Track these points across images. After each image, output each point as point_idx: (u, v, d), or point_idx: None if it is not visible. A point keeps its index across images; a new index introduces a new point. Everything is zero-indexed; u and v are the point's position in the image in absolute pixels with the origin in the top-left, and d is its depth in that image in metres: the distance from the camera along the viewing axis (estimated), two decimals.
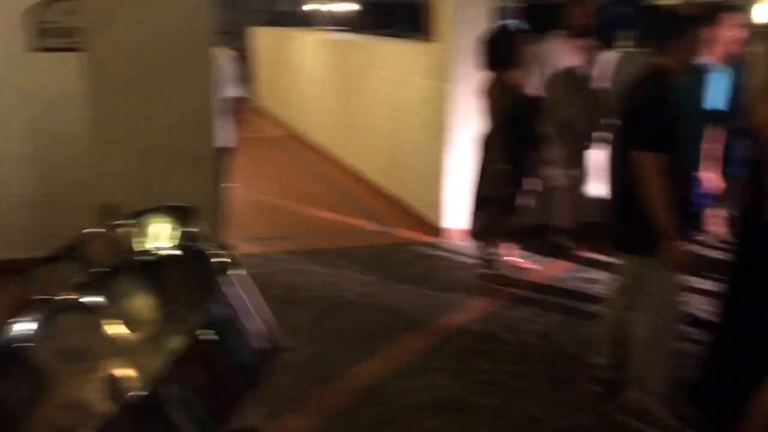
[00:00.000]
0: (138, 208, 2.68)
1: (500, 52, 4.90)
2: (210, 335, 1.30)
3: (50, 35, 5.06)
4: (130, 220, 2.64)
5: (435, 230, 6.25)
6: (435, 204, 6.28)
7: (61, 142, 5.02)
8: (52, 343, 1.54)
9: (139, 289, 1.60)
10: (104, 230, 2.65)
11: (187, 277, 1.53)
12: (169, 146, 2.82)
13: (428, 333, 4.50)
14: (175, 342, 1.41)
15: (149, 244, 2.58)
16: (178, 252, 1.57)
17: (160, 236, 2.59)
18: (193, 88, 2.79)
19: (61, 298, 1.64)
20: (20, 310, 2.04)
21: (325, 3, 18.34)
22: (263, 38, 13.92)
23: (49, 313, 1.59)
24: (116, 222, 2.69)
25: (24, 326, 1.56)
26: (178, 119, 2.80)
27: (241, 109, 5.55)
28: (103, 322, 1.58)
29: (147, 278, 1.60)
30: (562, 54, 5.60)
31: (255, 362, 1.38)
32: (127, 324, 1.59)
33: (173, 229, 2.56)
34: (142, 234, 2.62)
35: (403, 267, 5.60)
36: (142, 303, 1.60)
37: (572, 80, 5.58)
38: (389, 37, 8.24)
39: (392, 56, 7.40)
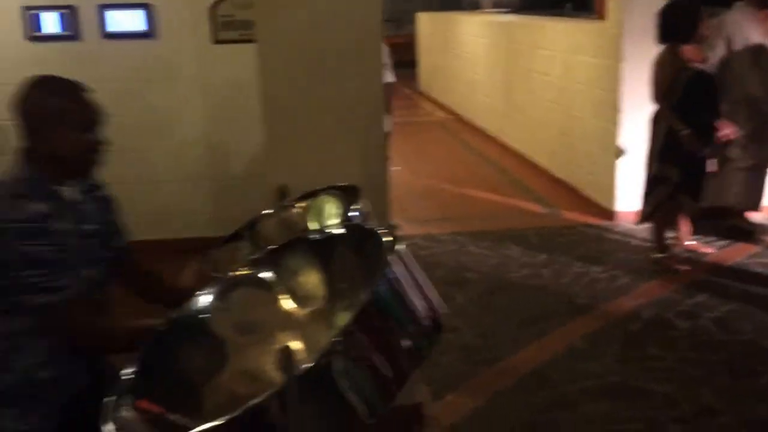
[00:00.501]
0: (308, 190, 2.79)
1: (676, 24, 4.64)
2: (377, 312, 1.32)
3: (227, 28, 5.35)
4: (302, 200, 2.75)
5: (606, 213, 6.05)
6: (606, 186, 6.08)
7: (238, 128, 5.31)
8: (229, 315, 1.62)
9: (309, 266, 1.65)
10: (278, 210, 2.78)
11: (355, 255, 1.56)
12: (339, 131, 2.88)
13: (597, 317, 4.37)
14: (344, 318, 1.44)
15: (320, 223, 2.68)
16: (346, 230, 1.60)
17: (330, 215, 2.68)
18: (364, 74, 2.84)
19: (236, 273, 1.72)
20: (202, 284, 2.20)
21: None
22: (427, 24, 13.98)
23: (227, 287, 1.68)
24: (288, 203, 2.81)
25: (205, 299, 1.65)
26: (348, 105, 2.86)
27: (392, 95, 5.62)
28: (275, 296, 1.65)
29: (316, 255, 1.65)
30: (747, 26, 5.22)
31: (421, 340, 1.38)
32: (297, 299, 1.64)
33: (340, 208, 2.63)
34: (313, 213, 2.72)
35: (571, 249, 5.47)
36: (312, 279, 1.65)
37: (757, 54, 5.20)
38: (555, 17, 8.02)
39: (559, 36, 7.21)
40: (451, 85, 11.96)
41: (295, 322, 1.60)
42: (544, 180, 7.36)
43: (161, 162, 5.51)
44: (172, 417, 1.39)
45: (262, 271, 1.67)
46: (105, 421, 1.33)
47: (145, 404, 1.41)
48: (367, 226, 1.58)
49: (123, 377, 1.46)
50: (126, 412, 1.37)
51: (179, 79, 5.35)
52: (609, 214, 6.01)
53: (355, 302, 1.43)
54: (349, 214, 2.51)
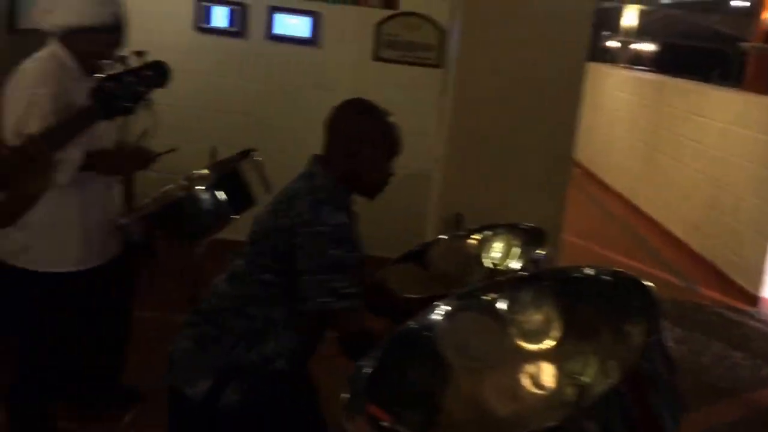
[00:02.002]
0: (485, 222, 2.65)
1: None
2: (644, 369, 1.16)
3: (390, 47, 5.31)
4: (479, 232, 2.62)
5: (750, 297, 5.67)
6: (753, 269, 5.70)
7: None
8: (454, 337, 1.52)
9: (545, 303, 1.52)
10: (452, 238, 2.66)
11: (602, 301, 1.41)
12: (523, 165, 2.73)
13: (738, 404, 4.05)
14: (578, 365, 1.31)
15: (495, 260, 2.53)
16: (606, 276, 1.44)
17: (507, 253, 2.53)
18: (560, 112, 2.68)
19: (467, 296, 1.61)
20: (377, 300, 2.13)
21: (626, 40, 17.82)
22: None
23: (456, 308, 1.57)
24: (464, 232, 2.68)
25: (432, 316, 1.55)
26: (539, 140, 2.70)
27: None
28: (504, 327, 1.53)
29: (555, 293, 1.51)
30: None
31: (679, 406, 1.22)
32: (526, 334, 1.51)
33: (519, 247, 2.49)
34: (488, 248, 2.58)
35: (710, 329, 5.12)
36: (545, 317, 1.51)
37: None
38: (694, 81, 7.70)
39: (721, 104, 6.88)
40: (584, 136, 11.67)
41: (521, 356, 1.48)
42: (681, 252, 7.00)
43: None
44: (401, 430, 1.34)
45: (494, 300, 1.55)
46: (348, 419, 1.32)
47: (376, 411, 1.38)
48: (631, 275, 1.42)
49: (359, 373, 1.44)
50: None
51: (335, 90, 5.33)
52: (753, 299, 5.64)
53: (600, 352, 1.31)
54: (534, 257, 2.37)
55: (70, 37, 2.63)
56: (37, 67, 2.60)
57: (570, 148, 2.77)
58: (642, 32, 15.43)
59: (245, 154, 3.15)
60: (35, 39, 4.34)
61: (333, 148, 2.16)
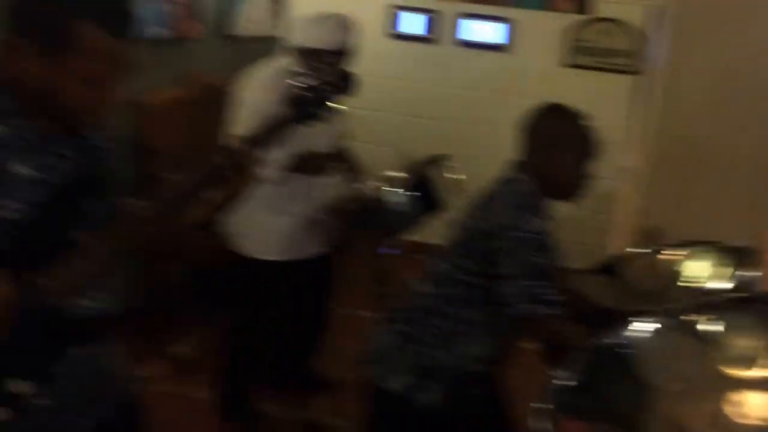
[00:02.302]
0: (683, 237, 2.55)
1: None
2: None
3: (583, 53, 5.20)
4: (678, 247, 2.52)
5: None
6: None
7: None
8: (657, 358, 1.47)
9: (757, 327, 1.44)
10: (648, 253, 2.57)
11: None
12: (729, 183, 2.59)
13: None
14: None
15: (700, 279, 2.43)
16: None
17: (711, 272, 2.42)
18: None
19: (680, 315, 1.55)
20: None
21: None
22: None
23: (663, 327, 1.52)
24: (661, 247, 2.58)
25: (632, 333, 1.51)
26: (747, 156, 2.56)
27: None
28: (711, 350, 1.46)
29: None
30: None
31: None
32: (736, 361, 1.44)
33: (726, 267, 2.37)
34: (689, 265, 2.48)
35: None
36: (759, 342, 1.43)
37: None
38: None
39: None
40: None
41: (727, 382, 1.40)
42: None
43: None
44: None
45: (701, 319, 1.49)
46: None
47: (572, 425, 1.38)
48: None
49: (555, 384, 1.44)
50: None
51: (526, 96, 5.29)
52: None
53: None
54: (743, 279, 2.25)
55: (301, 55, 2.93)
56: (268, 76, 2.91)
57: None
58: None
59: (438, 158, 3.22)
60: (246, 45, 4.64)
61: (531, 151, 2.21)
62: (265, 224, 2.98)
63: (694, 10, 2.65)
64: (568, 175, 2.20)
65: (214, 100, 4.50)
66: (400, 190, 3.04)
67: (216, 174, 1.50)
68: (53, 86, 1.39)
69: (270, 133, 1.59)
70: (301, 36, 2.98)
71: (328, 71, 2.76)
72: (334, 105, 1.69)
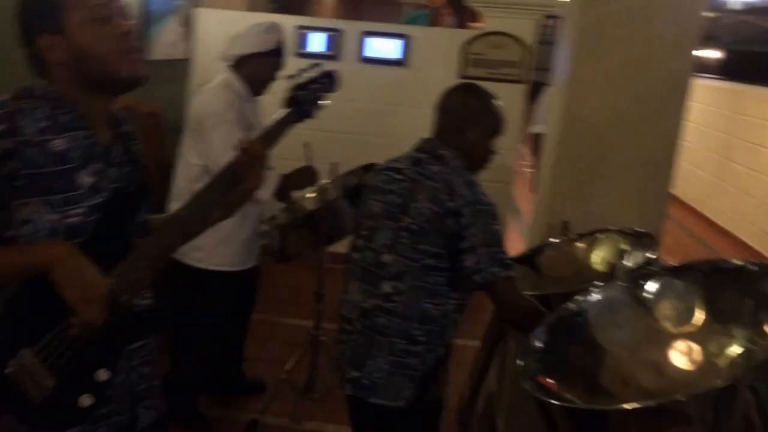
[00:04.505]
0: (587, 228, 2.90)
1: None
2: None
3: (477, 65, 5.59)
4: (586, 236, 2.87)
5: None
6: None
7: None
8: (607, 322, 1.78)
9: (690, 292, 1.76)
10: (561, 243, 2.92)
11: (746, 297, 1.64)
12: (625, 177, 2.98)
13: None
14: (724, 346, 1.56)
15: (605, 261, 2.78)
16: (752, 266, 1.68)
17: (617, 255, 2.77)
18: (664, 126, 2.93)
19: (624, 285, 1.86)
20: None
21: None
22: None
23: (610, 295, 1.83)
24: (572, 236, 2.94)
25: (586, 302, 1.82)
26: (640, 153, 2.96)
27: None
28: (652, 312, 1.78)
29: (700, 285, 1.74)
30: None
31: None
32: (672, 320, 1.76)
33: (629, 251, 2.72)
34: (599, 250, 2.83)
35: None
36: (690, 304, 1.75)
37: None
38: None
39: None
40: None
41: (666, 337, 1.73)
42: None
43: None
44: (566, 395, 1.58)
45: (645, 289, 1.81)
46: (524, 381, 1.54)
47: (545, 380, 1.61)
48: None
49: (531, 347, 1.66)
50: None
51: (424, 107, 5.61)
52: None
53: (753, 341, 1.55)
54: (644, 260, 2.60)
55: (240, 65, 3.13)
56: (219, 95, 3.07)
57: (670, 160, 3.00)
58: (707, 38, 15.31)
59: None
60: (159, 68, 4.76)
61: (447, 128, 2.33)
62: (223, 235, 3.07)
63: (590, 17, 2.91)
64: (473, 148, 2.31)
65: (134, 122, 4.61)
66: (344, 197, 3.24)
67: (234, 173, 1.61)
68: (83, 53, 1.50)
69: (274, 133, 1.71)
70: (239, 46, 3.15)
71: (271, 75, 3.10)
72: (322, 102, 1.85)
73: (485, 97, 2.37)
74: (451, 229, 2.15)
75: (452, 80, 5.38)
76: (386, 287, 2.25)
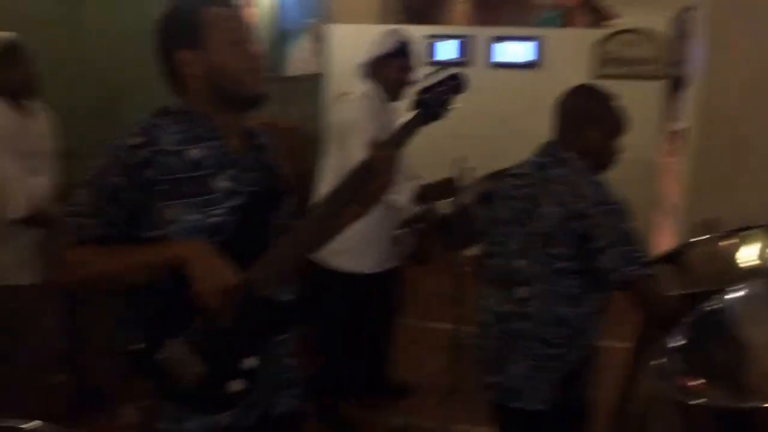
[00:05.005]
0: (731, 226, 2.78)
1: None
2: None
3: (611, 64, 5.48)
4: (732, 234, 2.76)
5: None
6: None
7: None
8: (751, 319, 1.72)
9: None
10: (707, 240, 2.81)
11: None
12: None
13: None
14: None
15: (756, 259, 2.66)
16: None
17: (763, 254, 2.65)
18: None
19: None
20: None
21: None
22: None
23: (754, 292, 1.78)
24: (717, 234, 2.82)
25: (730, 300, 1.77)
26: None
27: None
28: None
29: None
30: None
31: None
32: None
33: None
34: (747, 249, 2.71)
35: None
36: None
37: None
38: None
39: None
40: None
41: None
42: None
43: None
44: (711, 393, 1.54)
45: None
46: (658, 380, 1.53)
47: (686, 380, 1.58)
48: None
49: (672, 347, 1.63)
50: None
51: None
52: None
53: None
54: None
55: (370, 71, 3.26)
56: (359, 105, 3.21)
57: None
58: None
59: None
60: (294, 84, 4.96)
61: (565, 130, 2.33)
62: (364, 238, 3.12)
63: (725, 10, 2.81)
64: (594, 148, 2.29)
65: (277, 138, 4.84)
66: (478, 201, 3.26)
67: (365, 173, 1.68)
68: (218, 69, 1.62)
69: (405, 134, 1.77)
70: (366, 54, 3.29)
71: (403, 78, 3.18)
72: (449, 105, 1.85)
73: (603, 98, 2.34)
74: (580, 232, 2.15)
75: (586, 81, 5.43)
76: (520, 292, 2.27)
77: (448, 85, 1.82)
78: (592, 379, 2.37)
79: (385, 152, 1.69)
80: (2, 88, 3.05)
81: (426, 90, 1.80)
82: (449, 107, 1.83)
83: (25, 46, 3.10)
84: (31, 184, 3.04)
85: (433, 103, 1.80)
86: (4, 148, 2.96)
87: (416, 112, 1.79)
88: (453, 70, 1.93)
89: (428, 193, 3.30)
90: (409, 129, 1.77)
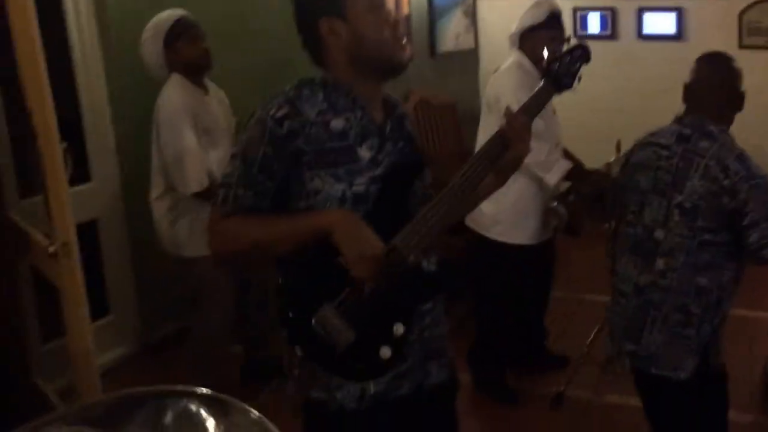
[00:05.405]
0: None
1: None
2: None
3: (754, 34, 5.50)
4: None
5: None
6: None
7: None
8: None
9: None
10: None
11: None
12: None
13: None
14: None
15: None
16: None
17: None
18: None
19: None
20: None
21: None
22: None
23: None
24: None
25: None
26: None
27: None
28: None
29: None
30: None
31: None
32: None
33: None
34: None
35: None
36: None
37: None
38: None
39: None
40: None
41: None
42: None
43: None
44: None
45: None
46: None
47: None
48: None
49: None
50: None
51: None
52: None
53: None
54: None
55: (521, 43, 3.29)
56: (510, 75, 3.25)
57: None
58: None
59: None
60: (448, 60, 5.15)
61: (701, 102, 2.32)
62: (522, 210, 3.24)
63: None
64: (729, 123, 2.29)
65: (430, 114, 5.23)
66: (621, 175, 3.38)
67: (501, 142, 1.69)
68: (361, 37, 1.63)
69: (536, 104, 1.76)
70: (517, 26, 3.29)
71: (551, 44, 2.90)
72: (578, 75, 1.83)
73: (735, 67, 2.34)
74: (729, 207, 2.15)
75: (730, 52, 5.44)
76: (660, 264, 2.28)
77: (576, 55, 1.81)
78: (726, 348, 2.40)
79: (520, 122, 1.69)
80: (178, 65, 3.11)
81: (554, 60, 1.80)
82: (578, 77, 1.83)
83: (197, 23, 3.16)
84: (209, 159, 3.12)
85: (563, 73, 1.80)
86: (185, 123, 3.04)
87: (545, 82, 1.80)
88: (579, 41, 1.93)
89: (575, 175, 3.36)
90: (540, 99, 1.78)
